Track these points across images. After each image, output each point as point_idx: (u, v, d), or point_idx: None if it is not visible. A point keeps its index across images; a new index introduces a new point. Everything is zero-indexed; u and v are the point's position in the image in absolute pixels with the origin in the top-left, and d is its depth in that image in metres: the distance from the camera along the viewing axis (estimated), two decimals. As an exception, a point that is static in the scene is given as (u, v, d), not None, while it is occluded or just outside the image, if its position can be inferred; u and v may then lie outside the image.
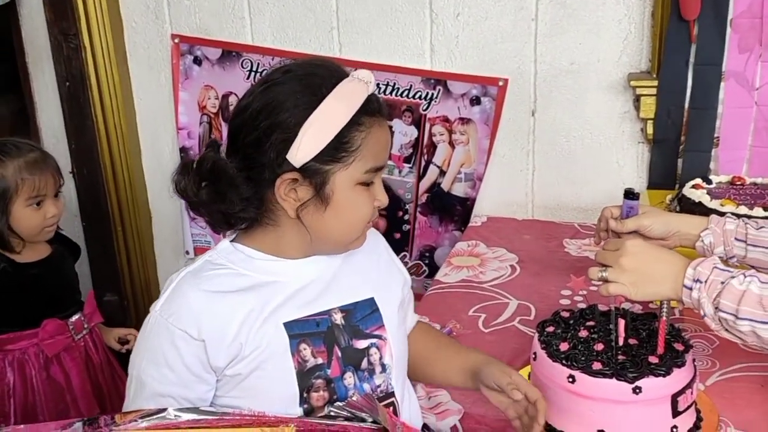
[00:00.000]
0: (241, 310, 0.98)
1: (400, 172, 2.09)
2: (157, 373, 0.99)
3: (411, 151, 2.06)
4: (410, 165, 2.07)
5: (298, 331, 1.01)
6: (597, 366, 1.06)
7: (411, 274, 2.09)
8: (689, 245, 1.25)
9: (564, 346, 1.10)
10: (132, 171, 2.31)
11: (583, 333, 1.13)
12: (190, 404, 0.97)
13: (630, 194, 1.28)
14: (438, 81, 1.99)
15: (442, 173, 2.05)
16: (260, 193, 0.99)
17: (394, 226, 2.13)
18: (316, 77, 0.98)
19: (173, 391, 0.98)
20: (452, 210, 2.06)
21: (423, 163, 2.06)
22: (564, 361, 1.08)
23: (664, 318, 1.10)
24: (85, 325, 1.80)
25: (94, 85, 2.20)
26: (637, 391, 1.03)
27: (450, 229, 2.07)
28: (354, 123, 0.97)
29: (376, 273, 1.11)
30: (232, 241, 1.04)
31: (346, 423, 0.95)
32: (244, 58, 2.13)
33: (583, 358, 1.07)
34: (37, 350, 1.73)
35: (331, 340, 1.03)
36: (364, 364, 1.06)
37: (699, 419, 1.12)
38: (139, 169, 2.34)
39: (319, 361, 1.02)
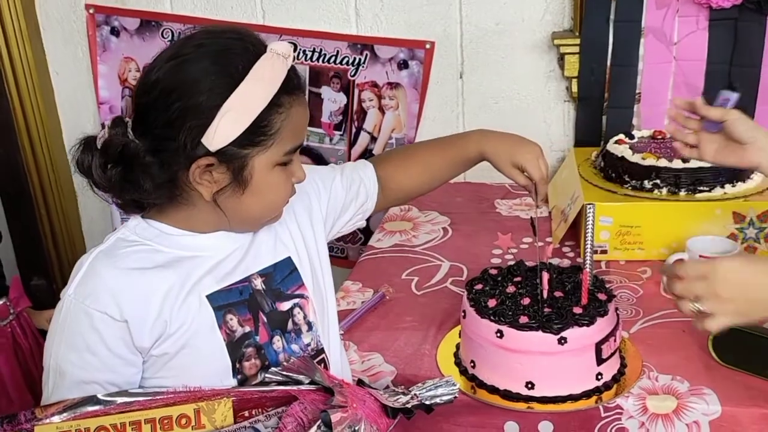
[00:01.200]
0: (162, 287, 0.95)
1: (330, 140, 2.06)
2: (79, 360, 0.93)
3: (341, 118, 2.04)
4: (341, 132, 2.05)
5: (223, 302, 0.99)
6: (524, 320, 1.08)
7: (347, 242, 2.12)
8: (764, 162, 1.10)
9: (492, 303, 1.12)
10: (53, 150, 2.22)
11: (511, 289, 1.15)
12: (118, 389, 0.93)
13: (731, 86, 1.14)
14: (365, 46, 1.96)
15: (374, 139, 2.04)
16: (173, 176, 0.93)
17: (328, 194, 2.11)
18: (231, 53, 0.92)
19: (98, 377, 0.93)
20: (385, 176, 2.05)
21: (354, 130, 2.04)
22: (492, 317, 1.09)
23: (587, 269, 1.12)
24: (11, 311, 1.74)
25: (7, 62, 2.10)
26: (563, 341, 1.06)
27: (384, 195, 2.06)
28: (273, 105, 0.92)
29: (289, 230, 1.09)
30: (143, 216, 1.00)
31: (285, 387, 0.94)
32: (165, 28, 2.06)
33: (510, 313, 1.09)
34: None
35: (255, 307, 1.02)
36: (290, 325, 1.05)
37: (623, 365, 1.15)
38: (60, 148, 2.25)
39: (247, 329, 1.00)
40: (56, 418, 0.87)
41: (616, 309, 1.13)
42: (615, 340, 1.12)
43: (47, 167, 2.23)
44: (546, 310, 1.09)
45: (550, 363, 1.07)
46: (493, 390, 1.12)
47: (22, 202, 2.26)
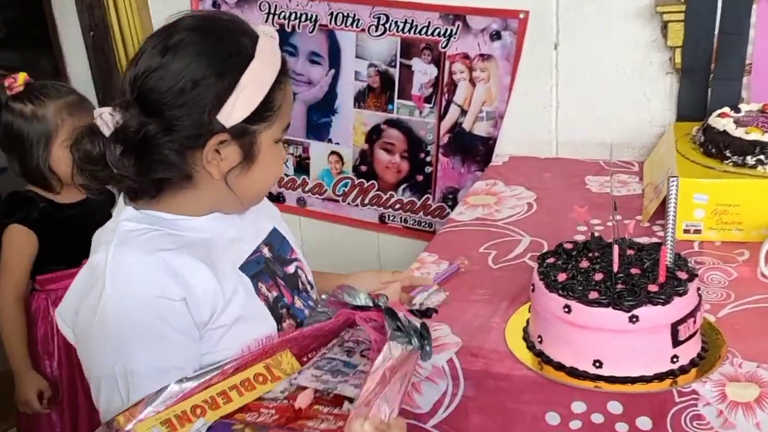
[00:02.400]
0: (198, 263, 0.94)
1: (420, 112, 2.05)
2: (149, 352, 0.90)
3: (431, 90, 2.02)
4: (431, 105, 2.03)
5: (250, 272, 1.01)
6: (593, 295, 1.03)
7: (434, 216, 2.10)
8: None
9: (562, 277, 1.07)
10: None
11: (584, 264, 1.10)
12: (192, 368, 0.91)
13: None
14: (457, 16, 1.93)
15: (464, 113, 2.00)
16: (184, 157, 0.94)
17: (416, 168, 2.10)
18: (234, 34, 0.95)
19: (173, 361, 0.91)
20: (474, 150, 2.01)
21: (444, 102, 2.01)
22: (560, 292, 1.05)
23: (667, 246, 1.06)
24: None
25: (117, 34, 2.22)
26: (634, 319, 1.00)
27: (473, 169, 2.03)
28: (276, 83, 0.96)
29: (263, 205, 1.11)
30: (135, 207, 0.98)
31: (344, 311, 0.95)
32: (262, 1, 2.11)
33: (580, 288, 1.05)
34: None
35: (273, 273, 1.05)
36: (300, 285, 1.09)
37: (704, 349, 1.08)
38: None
39: (275, 293, 1.03)
40: (150, 411, 0.83)
41: (698, 289, 1.05)
42: (695, 322, 1.04)
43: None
44: (619, 286, 1.03)
45: (619, 342, 1.02)
46: (559, 367, 1.08)
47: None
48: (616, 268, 1.04)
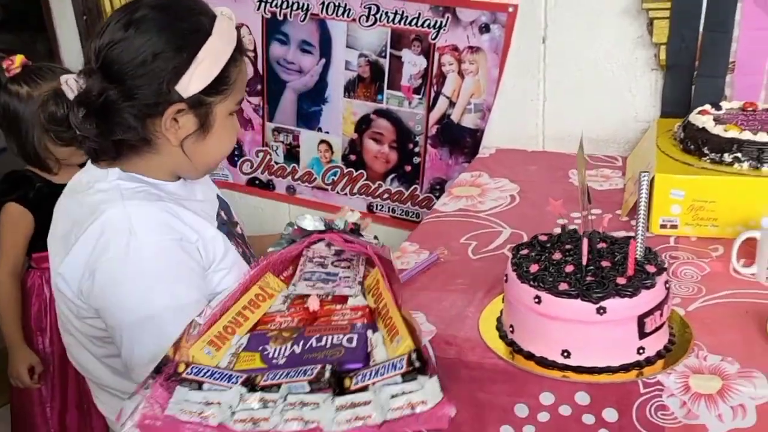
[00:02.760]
0: (195, 215, 1.09)
1: (409, 103, 2.06)
2: (191, 287, 1.03)
3: (420, 81, 2.03)
4: (420, 96, 2.05)
5: (222, 231, 1.15)
6: (563, 287, 1.05)
7: (422, 207, 2.12)
8: None
9: (534, 268, 1.09)
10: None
11: (557, 255, 1.12)
12: (208, 300, 1.02)
13: None
14: (447, 9, 1.94)
15: (452, 104, 2.02)
16: (144, 123, 1.04)
17: (405, 158, 2.12)
18: (194, 12, 1.06)
19: (203, 292, 1.05)
20: (462, 142, 2.03)
21: (432, 94, 2.03)
22: (531, 282, 1.07)
23: (637, 240, 1.08)
24: None
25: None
26: (601, 311, 1.02)
27: (460, 161, 2.05)
28: (231, 59, 1.07)
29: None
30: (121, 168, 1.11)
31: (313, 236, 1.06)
32: (254, -11, 2.12)
33: (550, 279, 1.07)
34: None
35: (233, 233, 1.21)
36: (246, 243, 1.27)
37: (671, 342, 1.10)
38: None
39: (240, 249, 1.19)
40: (195, 336, 0.91)
41: (666, 282, 1.07)
42: (662, 315, 1.07)
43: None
44: (588, 278, 1.06)
45: (588, 332, 1.04)
46: (529, 356, 1.10)
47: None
48: (585, 260, 1.07)
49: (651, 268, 1.07)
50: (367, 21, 2.02)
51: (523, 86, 1.93)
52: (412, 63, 2.03)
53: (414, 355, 0.80)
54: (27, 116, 1.70)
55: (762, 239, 1.24)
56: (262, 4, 2.13)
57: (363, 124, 2.13)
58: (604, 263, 1.09)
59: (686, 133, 1.51)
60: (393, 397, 0.77)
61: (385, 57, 2.04)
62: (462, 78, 1.98)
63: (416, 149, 2.09)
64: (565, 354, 1.06)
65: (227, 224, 1.20)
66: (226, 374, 0.85)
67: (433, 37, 1.98)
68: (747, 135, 1.40)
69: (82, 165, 1.81)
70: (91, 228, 1.03)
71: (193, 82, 1.03)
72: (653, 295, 1.04)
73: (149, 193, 1.07)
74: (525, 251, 1.15)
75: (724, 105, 1.58)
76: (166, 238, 1.03)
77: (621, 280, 1.04)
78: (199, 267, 1.06)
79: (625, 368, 1.05)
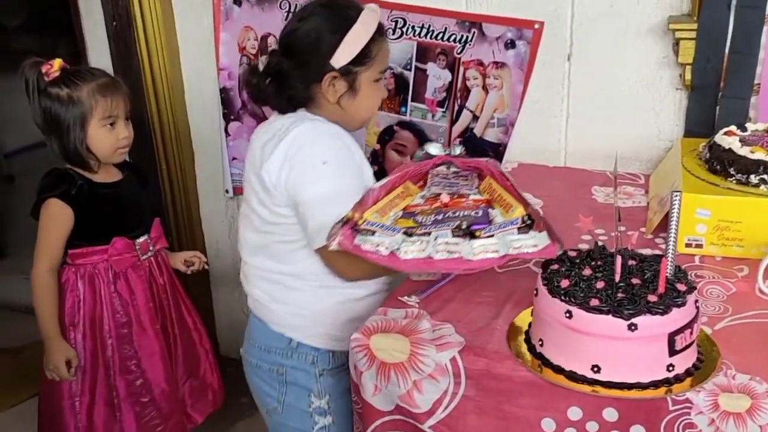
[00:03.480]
0: (354, 145, 1.50)
1: (433, 116, 2.09)
2: (344, 180, 1.42)
3: (444, 95, 2.05)
4: (443, 109, 2.07)
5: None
6: (594, 302, 1.06)
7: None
8: None
9: (565, 283, 1.11)
10: (176, 110, 2.38)
11: (587, 271, 1.13)
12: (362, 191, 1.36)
13: None
14: (473, 24, 1.96)
15: (475, 118, 2.04)
16: (308, 86, 1.45)
17: (427, 170, 2.13)
18: (346, 8, 1.45)
19: (354, 185, 1.42)
20: (485, 155, 2.04)
21: (456, 107, 2.05)
22: (563, 297, 1.09)
23: (667, 258, 1.09)
24: (151, 248, 1.92)
25: (140, 25, 2.26)
26: (633, 327, 1.04)
27: (482, 174, 2.06)
28: (372, 39, 1.44)
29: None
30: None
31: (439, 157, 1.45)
32: (282, 0, 2.15)
33: (582, 295, 1.08)
34: (106, 265, 1.86)
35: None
36: None
37: (699, 360, 1.11)
38: (182, 110, 2.41)
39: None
40: (368, 206, 1.29)
41: (696, 301, 1.09)
42: (692, 333, 1.08)
43: (170, 126, 2.40)
44: (619, 295, 1.07)
45: (618, 348, 1.06)
46: (558, 370, 1.12)
47: (146, 157, 2.43)
48: (617, 277, 1.08)
49: (681, 287, 1.08)
50: (393, 34, 2.05)
51: (546, 102, 1.95)
52: (437, 76, 2.05)
53: (526, 217, 1.20)
54: (69, 117, 1.74)
55: (788, 261, 1.26)
56: (290, 15, 2.15)
57: (386, 135, 2.16)
58: (635, 280, 1.10)
59: (712, 153, 1.52)
60: (512, 241, 1.15)
61: (410, 70, 2.07)
62: (486, 92, 2.00)
63: (438, 161, 2.11)
64: (595, 369, 1.08)
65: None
66: (391, 227, 1.24)
67: (458, 51, 2.00)
68: (774, 157, 1.42)
69: (119, 165, 1.87)
70: (288, 137, 1.42)
71: (341, 55, 1.42)
72: (684, 314, 1.06)
73: (327, 121, 1.47)
74: (555, 266, 1.17)
75: (750, 126, 1.60)
76: (340, 143, 1.44)
77: (652, 298, 1.06)
78: (358, 167, 1.47)
79: (655, 385, 1.07)
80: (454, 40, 2.00)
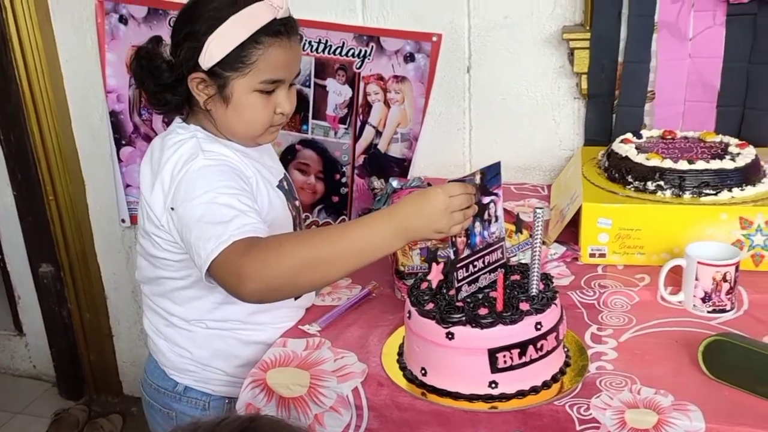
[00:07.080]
0: (252, 165, 1.29)
1: (335, 133, 2.03)
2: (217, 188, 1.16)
3: (346, 111, 2.00)
4: (346, 126, 2.01)
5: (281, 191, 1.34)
6: (429, 306, 1.06)
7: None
8: None
9: (424, 285, 1.12)
10: (62, 138, 2.23)
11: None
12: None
13: None
14: (371, 38, 1.92)
15: (378, 134, 1.99)
16: (180, 83, 1.22)
17: (332, 189, 2.07)
18: (234, 2, 1.19)
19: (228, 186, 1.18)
20: (390, 171, 2.00)
21: (359, 123, 2.00)
22: (410, 298, 1.10)
23: (501, 271, 1.12)
24: None
25: (17, 48, 2.11)
26: (450, 336, 1.03)
27: (388, 191, 2.01)
28: (253, 41, 1.19)
29: (276, 159, 1.44)
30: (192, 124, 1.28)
31: None
32: (172, 16, 2.05)
33: (426, 298, 1.08)
34: None
35: (293, 198, 1.40)
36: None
37: (554, 380, 1.07)
38: (69, 136, 2.26)
39: (294, 213, 1.38)
40: None
41: (538, 323, 1.04)
42: (520, 354, 1.03)
43: (56, 155, 2.24)
44: (458, 304, 1.06)
45: (441, 355, 1.05)
46: (402, 367, 1.13)
47: (31, 188, 2.27)
48: (434, 285, 1.12)
49: (524, 306, 1.04)
50: (290, 50, 1.98)
51: (449, 115, 1.93)
52: (337, 92, 1.99)
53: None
54: None
55: (687, 267, 1.26)
56: (181, 32, 2.06)
57: (288, 155, 2.08)
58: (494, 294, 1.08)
59: (610, 161, 1.52)
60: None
61: (309, 86, 2.00)
62: (388, 107, 1.96)
63: (343, 179, 2.05)
64: (423, 371, 1.08)
65: (287, 194, 1.35)
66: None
67: (357, 66, 1.95)
68: (668, 163, 1.42)
69: None
70: (173, 157, 1.20)
71: (206, 56, 1.18)
72: (508, 332, 1.02)
73: (217, 139, 1.25)
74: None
75: (645, 133, 1.61)
76: (223, 161, 1.21)
77: (483, 311, 1.04)
78: (245, 184, 1.21)
79: (477, 398, 1.05)
80: (353, 55, 1.95)
